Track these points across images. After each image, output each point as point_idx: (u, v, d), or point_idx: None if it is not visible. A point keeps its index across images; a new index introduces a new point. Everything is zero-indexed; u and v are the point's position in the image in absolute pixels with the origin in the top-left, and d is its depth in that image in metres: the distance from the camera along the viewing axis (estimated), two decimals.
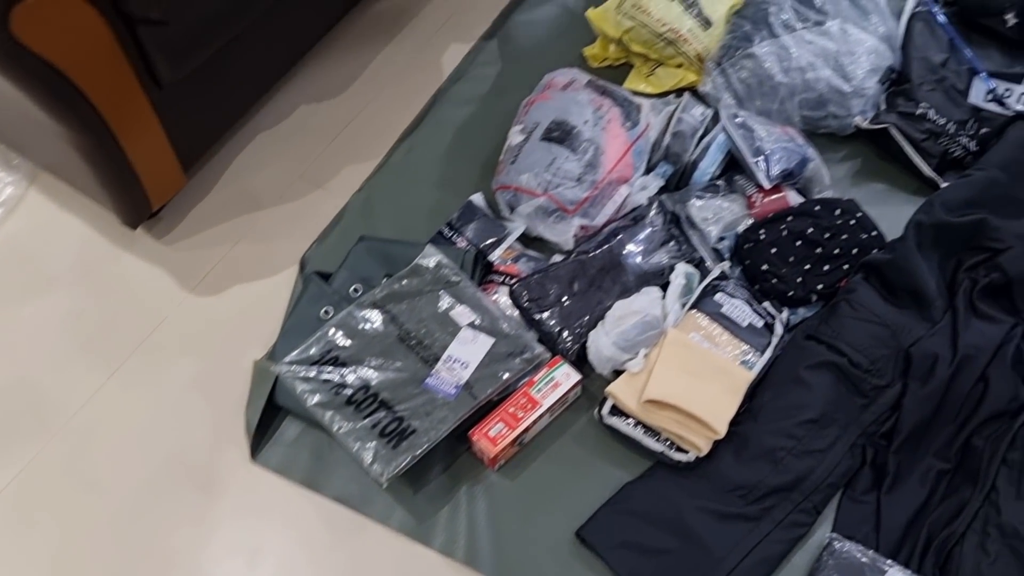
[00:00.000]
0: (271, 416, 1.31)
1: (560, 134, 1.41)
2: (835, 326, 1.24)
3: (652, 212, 1.38)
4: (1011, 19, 1.54)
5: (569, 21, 1.76)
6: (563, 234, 1.38)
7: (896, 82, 1.54)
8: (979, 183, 1.34)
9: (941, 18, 1.58)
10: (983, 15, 1.56)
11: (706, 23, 1.60)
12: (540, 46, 1.75)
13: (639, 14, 1.60)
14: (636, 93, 1.57)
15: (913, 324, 1.24)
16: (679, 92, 1.59)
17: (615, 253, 1.35)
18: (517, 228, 1.41)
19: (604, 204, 1.39)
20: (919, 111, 1.46)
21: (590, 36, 1.71)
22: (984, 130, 1.44)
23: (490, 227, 1.42)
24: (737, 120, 1.43)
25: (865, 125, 1.47)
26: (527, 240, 1.43)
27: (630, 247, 1.35)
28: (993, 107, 1.48)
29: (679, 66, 1.62)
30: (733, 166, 1.44)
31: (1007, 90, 1.50)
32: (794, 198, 1.40)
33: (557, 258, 1.37)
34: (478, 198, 1.47)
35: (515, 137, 1.46)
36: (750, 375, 1.22)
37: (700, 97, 1.56)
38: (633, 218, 1.38)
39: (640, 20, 1.60)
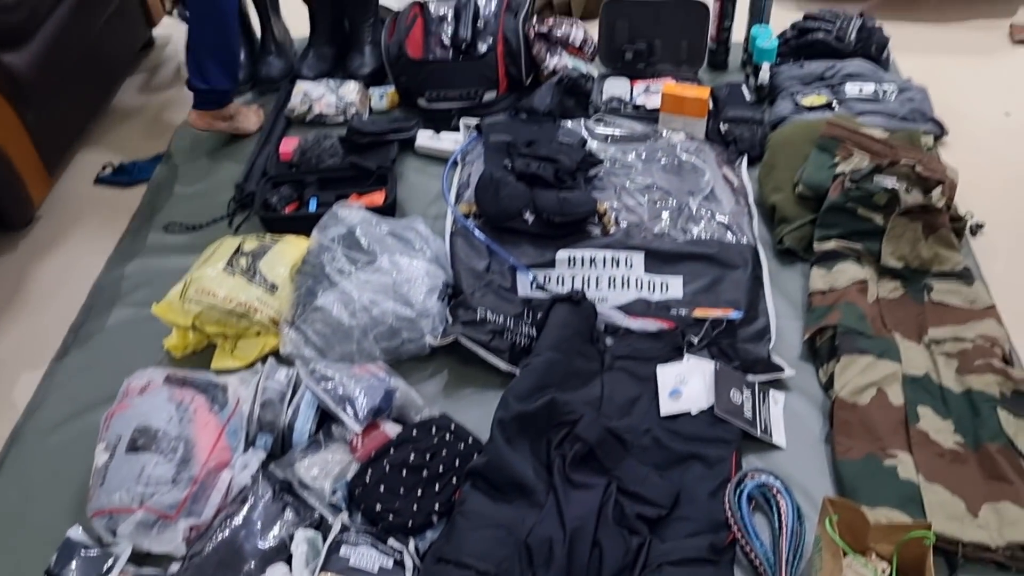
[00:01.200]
0: None
1: (144, 441, 1.37)
2: (456, 542, 1.28)
3: (260, 487, 1.37)
4: (529, 217, 1.76)
5: (144, 319, 1.74)
6: (172, 542, 1.31)
7: (454, 295, 1.69)
8: (539, 368, 1.48)
9: (475, 231, 1.77)
10: (506, 219, 1.77)
11: (271, 288, 1.66)
12: (120, 352, 1.71)
13: (204, 297, 1.63)
14: (225, 372, 1.58)
15: (525, 515, 1.32)
16: (266, 359, 1.62)
17: (231, 542, 1.30)
18: (123, 552, 1.32)
19: (209, 496, 1.35)
20: (479, 316, 1.60)
21: (168, 328, 1.71)
22: (539, 315, 1.61)
23: (94, 561, 1.31)
24: (316, 374, 1.48)
25: (437, 343, 1.58)
26: (140, 559, 1.34)
27: (245, 531, 1.31)
28: (539, 294, 1.67)
29: (258, 334, 1.66)
30: (330, 416, 1.47)
31: (545, 276, 1.70)
32: (392, 429, 1.45)
33: (175, 568, 1.30)
34: (76, 532, 1.37)
35: (100, 457, 1.40)
36: None
37: (285, 359, 1.60)
38: (242, 499, 1.36)
39: (207, 303, 1.62)
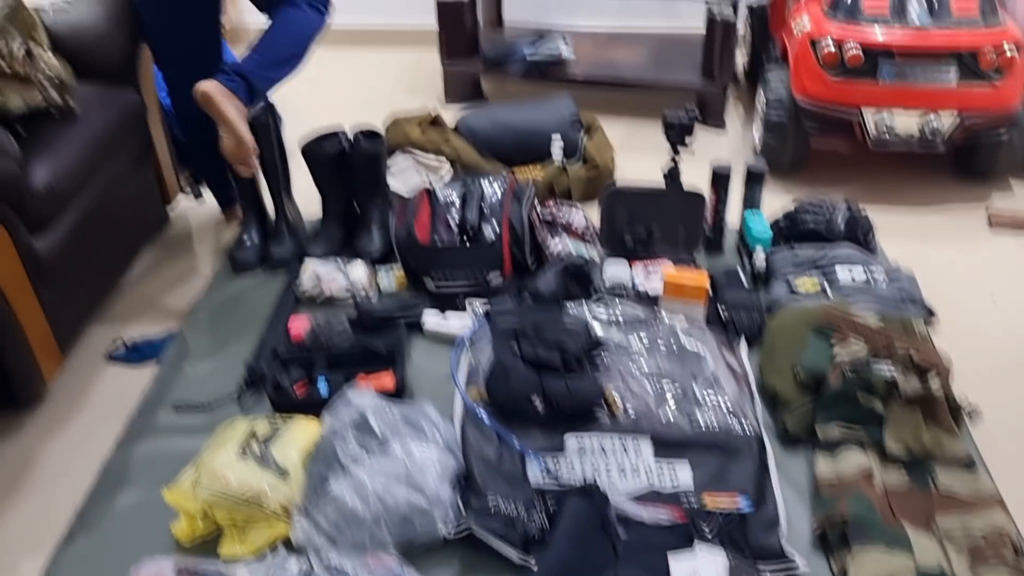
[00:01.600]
0: None
1: None
2: None
3: None
4: (538, 403, 1.79)
5: (152, 503, 1.72)
6: None
7: (467, 482, 1.70)
8: (553, 562, 1.48)
9: (485, 417, 1.79)
10: (516, 405, 1.80)
11: (283, 473, 1.67)
12: (127, 538, 1.69)
13: (216, 484, 1.63)
14: (233, 560, 1.57)
15: None
16: (275, 546, 1.61)
17: None
18: None
19: None
20: (491, 505, 1.61)
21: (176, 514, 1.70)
22: (551, 505, 1.62)
23: None
24: (331, 566, 1.47)
25: (451, 534, 1.58)
26: None
27: None
28: (551, 484, 1.68)
29: (268, 520, 1.65)
30: None
31: (555, 462, 1.72)
32: None
33: None
34: None
35: None
36: None
37: (296, 547, 1.59)
38: None
39: (219, 490, 1.62)
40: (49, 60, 2.04)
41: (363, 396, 1.79)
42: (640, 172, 2.91)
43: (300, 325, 2.16)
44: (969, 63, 2.54)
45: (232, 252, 2.50)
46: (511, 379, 1.82)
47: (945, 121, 2.60)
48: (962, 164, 2.91)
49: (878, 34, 2.58)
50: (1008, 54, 2.53)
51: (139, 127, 2.40)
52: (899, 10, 2.59)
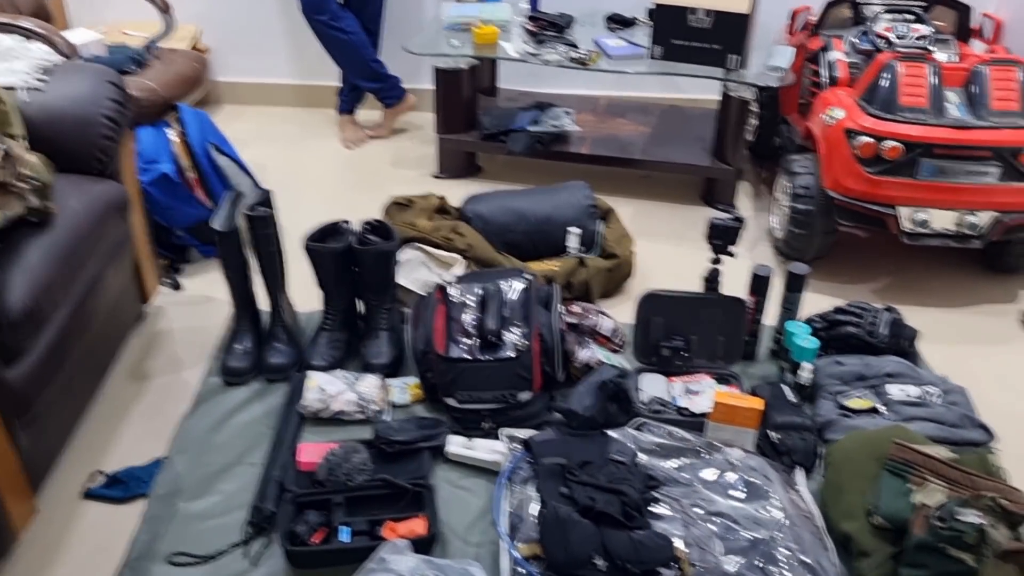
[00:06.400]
0: None
1: None
2: None
3: None
4: (601, 564, 1.58)
5: None
6: None
7: None
8: None
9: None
10: (577, 568, 1.58)
11: None
12: None
13: None
14: None
15: None
16: None
17: None
18: None
19: None
20: None
21: None
22: None
23: None
24: None
25: None
26: None
27: None
28: None
29: None
30: None
31: None
32: None
33: None
34: None
35: None
36: None
37: None
38: None
39: None
40: (29, 160, 1.78)
41: (402, 557, 1.56)
42: (659, 262, 2.75)
43: (311, 454, 1.91)
44: (1010, 160, 2.42)
45: (223, 360, 2.24)
46: (570, 536, 1.60)
47: (983, 218, 2.47)
48: (990, 260, 2.79)
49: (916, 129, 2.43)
50: None
51: (121, 222, 2.14)
52: (937, 104, 2.46)
